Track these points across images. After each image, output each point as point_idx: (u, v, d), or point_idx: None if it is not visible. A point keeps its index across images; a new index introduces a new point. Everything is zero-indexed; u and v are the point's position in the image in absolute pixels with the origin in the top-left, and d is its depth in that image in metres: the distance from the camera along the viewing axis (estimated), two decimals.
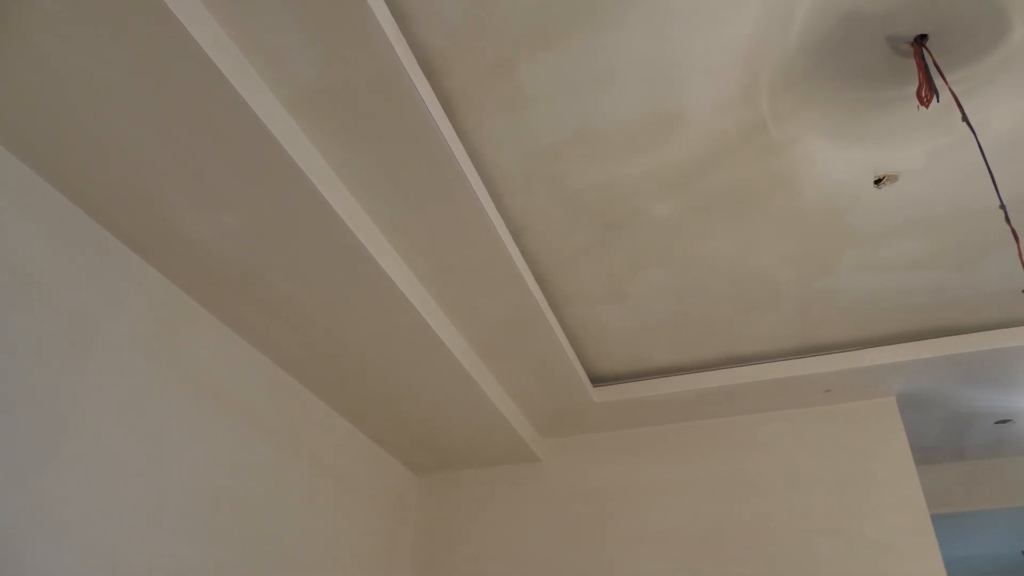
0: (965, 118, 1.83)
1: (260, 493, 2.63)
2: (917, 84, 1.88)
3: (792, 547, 3.14)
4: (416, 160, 2.01)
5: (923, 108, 1.93)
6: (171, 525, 2.20)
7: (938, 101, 1.86)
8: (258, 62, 1.75)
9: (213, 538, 2.37)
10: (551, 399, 3.33)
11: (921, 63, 1.86)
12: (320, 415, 3.04)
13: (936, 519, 3.54)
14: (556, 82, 1.97)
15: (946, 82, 1.88)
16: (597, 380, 3.41)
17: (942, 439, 3.85)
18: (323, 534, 2.95)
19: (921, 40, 1.86)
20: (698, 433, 3.53)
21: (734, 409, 3.46)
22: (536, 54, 1.90)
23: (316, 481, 2.95)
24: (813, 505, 3.20)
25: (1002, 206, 1.79)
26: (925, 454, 3.95)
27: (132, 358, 2.15)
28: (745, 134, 2.14)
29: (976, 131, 1.88)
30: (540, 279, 2.75)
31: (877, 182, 2.32)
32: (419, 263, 2.44)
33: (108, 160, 1.86)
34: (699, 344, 3.15)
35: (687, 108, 2.06)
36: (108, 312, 2.10)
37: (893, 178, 2.30)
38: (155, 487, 2.16)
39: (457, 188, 2.11)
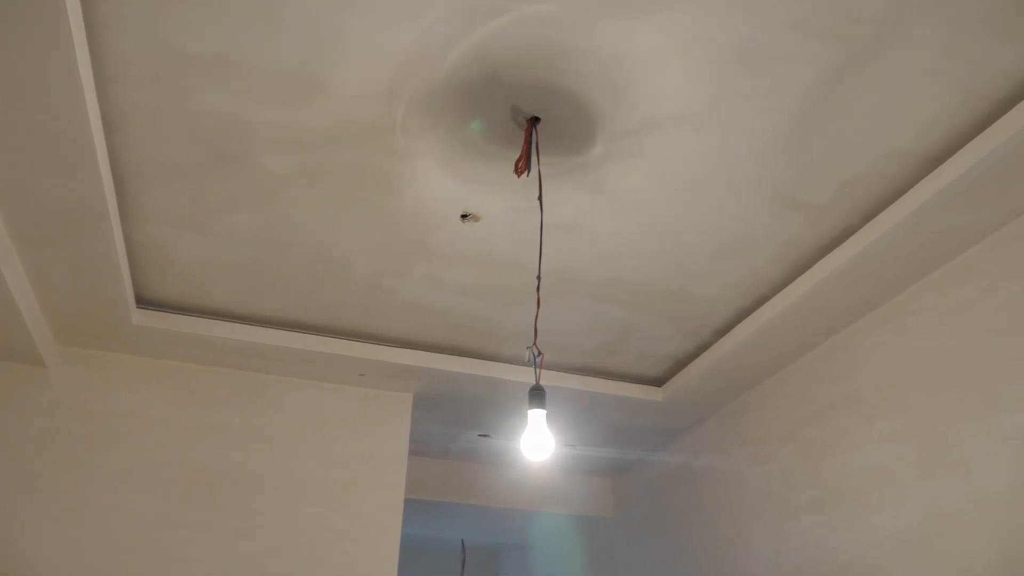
0: (540, 197, 2.23)
1: None
2: (519, 155, 2.23)
3: (280, 506, 3.36)
4: None
5: (515, 175, 2.30)
6: None
7: (528, 175, 2.24)
8: None
9: None
10: (83, 306, 3.01)
11: (528, 139, 2.22)
12: None
13: (409, 502, 4.12)
14: None
15: (539, 163, 2.27)
16: (145, 302, 3.20)
17: (435, 438, 4.50)
18: None
19: (534, 121, 2.22)
20: (231, 381, 3.53)
21: (273, 368, 3.56)
22: None
23: None
24: (313, 472, 3.47)
25: (539, 277, 2.23)
26: (418, 447, 4.56)
27: None
28: (374, 130, 2.28)
29: (543, 210, 2.30)
30: (120, 181, 2.50)
31: (463, 217, 2.66)
32: None
33: None
34: (264, 299, 3.18)
35: (333, 84, 2.11)
36: None
37: (476, 218, 2.67)
38: None
39: (59, 49, 1.81)
